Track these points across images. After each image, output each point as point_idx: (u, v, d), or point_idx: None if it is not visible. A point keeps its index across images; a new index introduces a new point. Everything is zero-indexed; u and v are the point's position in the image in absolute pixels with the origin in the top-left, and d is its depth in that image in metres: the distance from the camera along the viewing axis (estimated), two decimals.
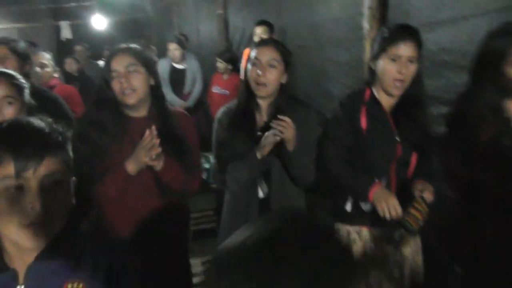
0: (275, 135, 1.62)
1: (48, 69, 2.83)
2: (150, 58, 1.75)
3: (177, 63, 4.61)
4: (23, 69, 2.09)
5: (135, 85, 1.62)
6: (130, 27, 9.97)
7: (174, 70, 4.60)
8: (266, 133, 1.65)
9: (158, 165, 1.60)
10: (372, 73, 1.72)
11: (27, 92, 1.66)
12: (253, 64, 1.72)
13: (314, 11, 3.43)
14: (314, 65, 3.51)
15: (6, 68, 2.02)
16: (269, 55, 1.72)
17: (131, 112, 1.71)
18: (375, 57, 1.67)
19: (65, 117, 2.13)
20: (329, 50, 3.33)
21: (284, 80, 1.77)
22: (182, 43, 4.64)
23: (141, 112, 1.72)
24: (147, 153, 1.54)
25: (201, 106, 4.80)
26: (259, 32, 3.77)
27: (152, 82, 1.70)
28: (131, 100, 1.63)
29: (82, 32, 9.36)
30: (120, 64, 1.61)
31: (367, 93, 1.74)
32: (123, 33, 9.57)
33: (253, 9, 4.59)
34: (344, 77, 3.21)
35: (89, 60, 5.87)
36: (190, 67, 4.65)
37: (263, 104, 1.80)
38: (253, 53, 1.75)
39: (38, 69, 2.78)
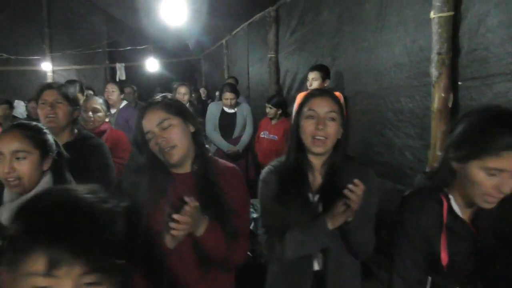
0: (347, 203, 1.39)
1: (100, 114, 2.81)
2: (181, 105, 1.58)
3: (228, 108, 4.55)
4: (72, 114, 2.06)
5: (174, 141, 1.44)
6: (181, 68, 10.29)
7: (224, 114, 4.54)
8: (339, 203, 1.42)
9: (198, 231, 1.39)
10: (452, 174, 1.30)
11: (50, 143, 1.57)
12: (309, 117, 1.53)
13: (374, 56, 3.26)
14: (374, 112, 3.29)
15: (57, 113, 1.99)
16: (327, 106, 1.52)
17: (173, 168, 1.53)
18: (461, 159, 1.24)
19: (105, 165, 2.06)
20: (390, 97, 3.12)
21: (340, 135, 1.57)
22: (237, 90, 4.61)
23: (184, 168, 1.54)
24: (186, 228, 1.31)
25: (251, 151, 4.67)
26: (313, 77, 3.64)
27: (192, 129, 1.54)
28: (175, 158, 1.45)
29: (135, 73, 9.75)
30: (152, 123, 1.45)
31: (444, 205, 1.32)
32: (174, 74, 9.88)
33: (307, 53, 4.49)
34: (407, 126, 2.97)
35: (137, 101, 5.99)
36: (241, 111, 4.57)
37: (317, 162, 1.59)
38: (309, 104, 1.55)
39: (90, 113, 2.77)
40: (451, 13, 2.37)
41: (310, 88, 3.70)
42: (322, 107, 1.52)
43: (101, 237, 0.68)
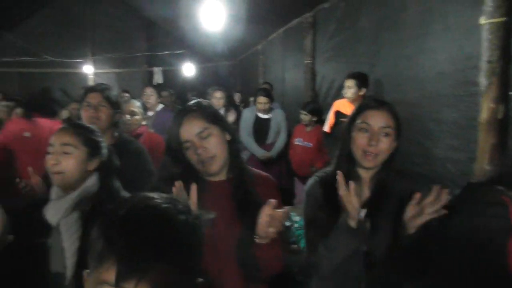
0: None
1: (137, 117, 2.84)
2: (218, 113, 1.54)
3: (262, 113, 4.52)
4: (114, 117, 2.08)
5: (213, 151, 1.41)
6: (217, 73, 10.37)
7: (258, 120, 4.51)
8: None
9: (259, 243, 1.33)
10: None
11: (100, 145, 1.58)
12: (362, 130, 1.46)
13: (415, 63, 3.13)
14: (413, 122, 3.16)
15: (99, 116, 2.02)
16: (383, 121, 1.45)
17: (208, 176, 1.49)
18: None
19: (145, 171, 2.06)
20: (431, 106, 2.98)
21: (393, 150, 1.49)
22: (271, 95, 4.58)
23: (220, 175, 1.50)
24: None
25: (285, 158, 4.61)
26: (348, 85, 3.55)
27: (228, 137, 1.49)
28: (214, 168, 1.42)
29: (172, 78, 9.92)
30: (191, 132, 1.40)
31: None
32: (210, 79, 9.98)
33: (344, 59, 4.40)
34: (449, 138, 2.82)
35: (174, 105, 6.08)
36: (275, 117, 4.53)
37: (365, 175, 1.52)
38: (363, 116, 1.48)
39: (128, 116, 2.81)
40: (503, 18, 2.24)
41: (345, 96, 3.61)
42: (377, 121, 1.45)
43: (178, 251, 0.65)
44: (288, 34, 6.19)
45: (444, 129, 2.86)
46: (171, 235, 0.65)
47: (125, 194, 1.63)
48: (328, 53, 4.80)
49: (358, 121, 1.48)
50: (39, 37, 9.89)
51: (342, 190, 1.31)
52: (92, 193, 1.54)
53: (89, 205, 1.52)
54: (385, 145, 1.44)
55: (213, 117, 1.46)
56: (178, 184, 1.32)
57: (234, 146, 1.52)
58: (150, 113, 4.28)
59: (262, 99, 4.43)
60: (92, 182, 1.56)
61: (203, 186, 1.46)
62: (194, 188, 1.30)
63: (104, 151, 1.61)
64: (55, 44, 9.90)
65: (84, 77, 10.25)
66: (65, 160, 1.48)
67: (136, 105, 2.87)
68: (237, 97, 7.98)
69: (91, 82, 10.30)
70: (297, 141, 4.41)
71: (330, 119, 3.91)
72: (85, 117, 2.04)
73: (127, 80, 10.84)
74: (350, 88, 3.54)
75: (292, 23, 5.81)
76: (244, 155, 4.84)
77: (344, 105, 3.75)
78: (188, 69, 8.46)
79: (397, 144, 1.49)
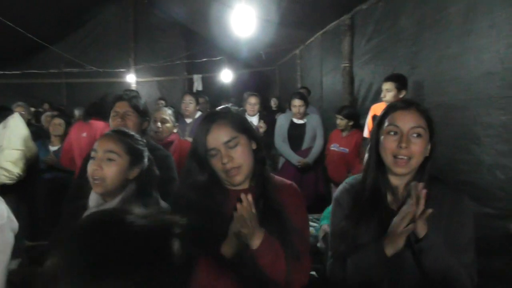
0: (404, 216, 1.21)
1: (168, 125, 2.85)
2: (246, 121, 1.47)
3: (297, 118, 4.43)
4: (141, 125, 2.09)
5: (239, 161, 1.35)
6: (256, 79, 10.38)
7: (293, 125, 4.42)
8: (397, 217, 1.25)
9: (254, 243, 1.26)
10: None
11: (143, 154, 1.58)
12: (391, 133, 1.35)
13: (459, 64, 2.94)
14: (458, 126, 2.96)
15: (126, 124, 2.02)
16: (413, 121, 1.34)
17: (231, 185, 1.43)
18: None
19: (170, 178, 2.05)
20: (478, 109, 2.78)
21: (427, 153, 1.37)
22: (307, 99, 4.48)
23: (242, 184, 1.43)
24: (244, 224, 1.23)
25: (321, 164, 4.49)
26: (386, 88, 3.39)
27: (254, 146, 1.44)
28: (238, 178, 1.37)
29: (211, 84, 10.02)
30: (219, 140, 1.35)
31: None
32: (249, 84, 9.99)
33: (383, 61, 4.23)
34: (499, 142, 2.61)
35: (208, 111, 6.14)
36: (310, 122, 4.42)
37: (398, 183, 1.40)
38: (391, 118, 1.37)
39: (159, 124, 2.82)
40: None
41: (384, 99, 3.46)
42: (406, 121, 1.34)
43: (130, 265, 0.62)
44: (326, 37, 6.07)
45: (492, 133, 2.66)
46: (119, 249, 0.63)
47: (163, 204, 1.62)
48: (366, 55, 4.64)
49: (386, 124, 1.38)
50: (84, 49, 10.36)
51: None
52: (130, 202, 1.53)
53: None
54: (417, 147, 1.32)
55: (241, 125, 1.41)
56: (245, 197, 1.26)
57: (259, 155, 1.45)
58: (189, 120, 4.30)
59: (296, 102, 4.35)
60: (131, 190, 1.55)
61: (225, 194, 1.42)
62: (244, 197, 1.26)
63: (146, 160, 1.60)
64: (99, 56, 10.32)
65: (127, 86, 10.57)
66: (107, 166, 1.48)
67: (167, 112, 2.87)
68: (273, 102, 7.93)
69: None
70: (333, 147, 4.28)
71: (368, 124, 3.76)
72: (113, 125, 2.06)
73: (168, 88, 11.09)
74: (389, 91, 3.39)
75: (329, 26, 5.69)
76: (280, 161, 4.77)
77: (382, 109, 3.58)
78: (226, 76, 8.50)
79: (432, 146, 1.37)
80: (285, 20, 5.85)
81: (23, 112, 4.56)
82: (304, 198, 1.52)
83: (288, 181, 1.52)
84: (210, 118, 1.40)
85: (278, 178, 1.52)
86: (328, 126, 5.06)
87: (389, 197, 1.41)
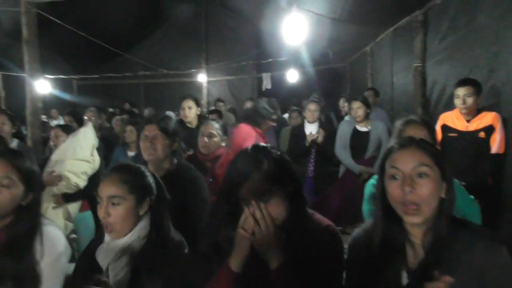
0: None
1: (215, 139, 2.80)
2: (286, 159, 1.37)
3: (359, 123, 4.16)
4: (171, 147, 2.10)
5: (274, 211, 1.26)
6: (325, 76, 10.07)
7: (356, 133, 4.16)
8: None
9: (272, 262, 1.20)
10: None
11: (148, 187, 1.53)
12: (392, 178, 1.17)
13: None
14: None
15: (156, 147, 2.03)
16: (414, 160, 1.15)
17: None
18: None
19: (200, 199, 2.01)
20: None
21: (443, 193, 1.15)
22: (368, 102, 4.18)
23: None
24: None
25: None
26: (465, 93, 3.02)
27: (290, 189, 1.31)
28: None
29: (280, 82, 9.89)
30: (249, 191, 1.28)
31: None
32: (319, 82, 9.74)
33: (458, 62, 3.81)
34: None
35: (228, 114, 6.17)
36: (375, 129, 4.11)
37: (416, 232, 1.19)
38: (391, 160, 1.19)
39: (205, 139, 2.79)
40: None
41: (462, 106, 3.08)
42: (405, 162, 1.15)
43: None
44: (397, 34, 5.65)
45: None
46: None
47: (175, 234, 1.58)
48: (440, 55, 4.22)
49: (387, 166, 1.20)
50: (159, 51, 10.90)
51: None
52: (143, 236, 1.51)
53: (139, 248, 1.49)
54: (425, 188, 1.12)
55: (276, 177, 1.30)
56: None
57: (296, 200, 1.32)
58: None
59: (355, 104, 4.10)
60: (143, 225, 1.52)
61: None
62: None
63: (153, 190, 1.56)
64: (173, 56, 10.76)
65: (198, 85, 10.89)
66: (114, 211, 1.45)
67: (214, 127, 2.83)
68: (341, 103, 7.60)
69: (204, 90, 10.91)
70: None
71: (439, 133, 3.41)
72: (143, 148, 2.07)
73: (237, 86, 11.22)
74: (468, 96, 3.02)
75: (401, 23, 5.29)
76: (340, 170, 4.55)
77: (452, 118, 3.23)
78: (292, 76, 8.35)
79: (448, 185, 1.16)
80: (353, 16, 5.56)
81: (93, 118, 4.84)
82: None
83: (327, 222, 1.38)
84: (250, 164, 1.29)
85: (315, 218, 1.39)
86: None
87: (408, 249, 1.20)
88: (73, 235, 3.43)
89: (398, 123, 2.13)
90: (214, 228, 1.40)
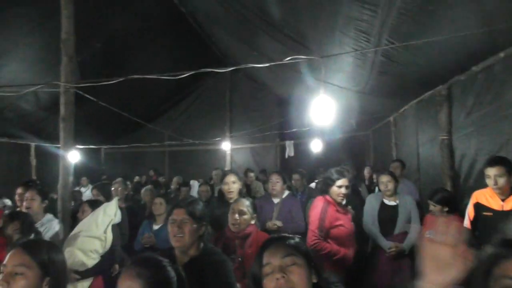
0: None
1: (245, 217, 2.79)
2: (310, 251, 1.42)
3: (389, 197, 4.08)
4: (198, 231, 2.12)
5: (295, 283, 1.28)
6: (349, 144, 10.08)
7: (384, 207, 4.06)
8: None
9: None
10: None
11: (169, 281, 1.48)
12: None
13: None
14: None
15: (184, 232, 2.06)
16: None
17: None
18: None
19: (226, 284, 1.97)
20: None
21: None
22: (395, 175, 4.13)
23: None
24: None
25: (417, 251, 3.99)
26: (495, 173, 2.95)
27: (314, 279, 1.34)
28: None
29: (303, 150, 9.93)
30: (274, 257, 1.32)
31: None
32: (342, 150, 9.72)
33: (487, 138, 3.76)
34: None
35: (305, 185, 6.06)
36: (403, 203, 4.02)
37: None
38: (502, 270, 1.12)
39: (236, 216, 2.78)
40: None
41: (494, 186, 2.99)
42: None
43: None
44: (421, 106, 5.70)
45: None
46: None
47: None
48: (467, 129, 4.20)
49: (498, 275, 1.11)
50: (184, 121, 11.34)
51: None
52: None
53: None
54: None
55: (303, 250, 1.38)
56: None
57: None
58: (276, 200, 4.20)
59: (384, 178, 4.05)
60: None
61: None
62: None
63: (173, 285, 1.50)
64: (197, 125, 11.12)
65: (222, 153, 11.06)
66: None
67: (245, 204, 2.83)
68: (367, 171, 7.53)
69: (228, 158, 11.04)
70: (429, 234, 3.79)
71: (469, 213, 3.29)
72: (171, 233, 2.09)
73: (261, 153, 11.34)
74: (499, 176, 2.94)
75: (424, 96, 5.35)
76: (369, 244, 4.39)
77: (486, 197, 3.13)
78: (316, 145, 8.43)
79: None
80: (377, 90, 5.67)
81: (119, 189, 4.92)
82: None
83: None
84: (270, 240, 1.42)
85: None
86: (427, 204, 4.58)
87: None
88: None
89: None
90: None
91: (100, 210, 3.36)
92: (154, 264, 1.52)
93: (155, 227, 4.30)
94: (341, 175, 3.42)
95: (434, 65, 4.17)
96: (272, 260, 1.31)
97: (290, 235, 1.43)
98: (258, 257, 1.39)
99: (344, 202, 3.51)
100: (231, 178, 3.84)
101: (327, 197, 3.41)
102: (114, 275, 3.55)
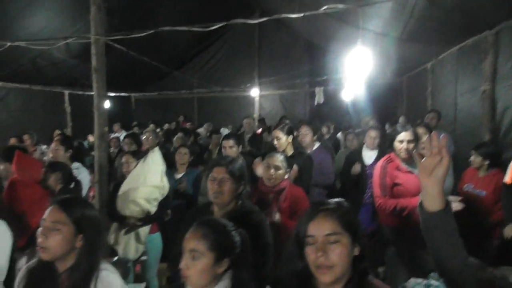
0: None
1: (280, 172, 2.78)
2: (356, 222, 1.36)
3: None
4: (237, 190, 2.12)
5: (334, 261, 1.26)
6: (380, 92, 9.75)
7: None
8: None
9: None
10: None
11: (230, 245, 1.52)
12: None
13: None
14: None
15: (223, 190, 2.07)
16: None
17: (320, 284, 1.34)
18: None
19: (263, 244, 2.00)
20: None
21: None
22: (429, 126, 3.98)
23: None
24: None
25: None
26: None
27: (356, 252, 1.31)
28: (325, 278, 1.27)
29: (333, 96, 9.68)
30: (320, 231, 1.29)
31: None
32: (373, 98, 9.44)
33: None
34: None
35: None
36: None
37: None
38: None
39: (272, 171, 2.77)
40: None
41: None
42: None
43: None
44: (462, 53, 5.37)
45: None
46: None
47: None
48: None
49: None
50: (212, 67, 11.17)
51: None
52: None
53: None
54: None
55: (349, 224, 1.33)
56: None
57: (361, 264, 1.32)
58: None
59: (420, 130, 3.91)
60: (223, 286, 1.50)
61: None
62: None
63: (236, 251, 1.53)
64: (225, 73, 10.96)
65: (251, 99, 10.97)
66: (193, 265, 1.46)
67: (279, 159, 2.81)
68: (401, 120, 7.34)
69: (257, 104, 10.97)
70: (467, 187, 3.73)
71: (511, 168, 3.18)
72: (211, 189, 2.09)
73: (290, 100, 11.19)
74: None
75: (467, 42, 5.02)
76: None
77: None
78: (347, 94, 8.17)
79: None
80: (415, 35, 5.34)
81: (150, 137, 4.99)
82: None
83: None
84: (319, 206, 1.36)
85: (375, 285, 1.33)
86: (462, 155, 4.45)
87: None
88: (144, 257, 3.55)
89: None
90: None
91: (148, 160, 3.46)
92: (219, 228, 1.55)
93: (177, 176, 4.35)
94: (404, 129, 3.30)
95: (481, 9, 3.86)
96: (316, 233, 1.29)
97: (339, 203, 1.37)
98: (303, 224, 1.34)
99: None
100: (277, 133, 3.66)
101: (392, 154, 3.31)
102: (167, 220, 3.78)
